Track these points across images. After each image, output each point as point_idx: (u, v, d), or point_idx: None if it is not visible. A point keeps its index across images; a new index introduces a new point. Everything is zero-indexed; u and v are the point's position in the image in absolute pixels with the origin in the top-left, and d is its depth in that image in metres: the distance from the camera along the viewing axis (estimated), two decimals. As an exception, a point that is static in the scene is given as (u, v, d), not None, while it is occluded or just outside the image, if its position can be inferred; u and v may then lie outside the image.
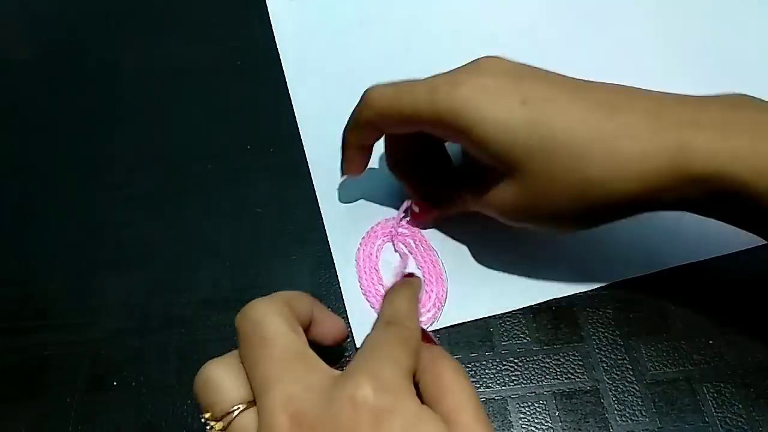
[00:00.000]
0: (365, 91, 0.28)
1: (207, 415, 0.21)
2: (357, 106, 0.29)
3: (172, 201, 0.35)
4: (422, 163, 0.32)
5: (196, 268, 0.32)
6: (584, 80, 0.26)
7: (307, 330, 0.24)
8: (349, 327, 0.30)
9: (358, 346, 0.29)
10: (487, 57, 0.27)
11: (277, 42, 0.43)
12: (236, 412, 0.20)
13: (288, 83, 0.40)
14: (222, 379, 0.21)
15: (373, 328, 0.23)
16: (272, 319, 0.22)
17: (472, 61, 0.27)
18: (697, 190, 0.23)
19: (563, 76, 0.26)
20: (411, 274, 0.27)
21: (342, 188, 0.35)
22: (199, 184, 0.36)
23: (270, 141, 0.37)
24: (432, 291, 0.30)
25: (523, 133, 0.24)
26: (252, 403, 0.21)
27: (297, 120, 0.38)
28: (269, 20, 0.44)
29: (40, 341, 0.30)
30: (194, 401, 0.27)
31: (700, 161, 0.22)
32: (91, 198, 0.36)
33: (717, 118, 0.23)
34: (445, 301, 0.30)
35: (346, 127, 0.30)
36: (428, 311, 0.30)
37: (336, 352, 0.29)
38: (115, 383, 0.29)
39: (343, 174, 0.32)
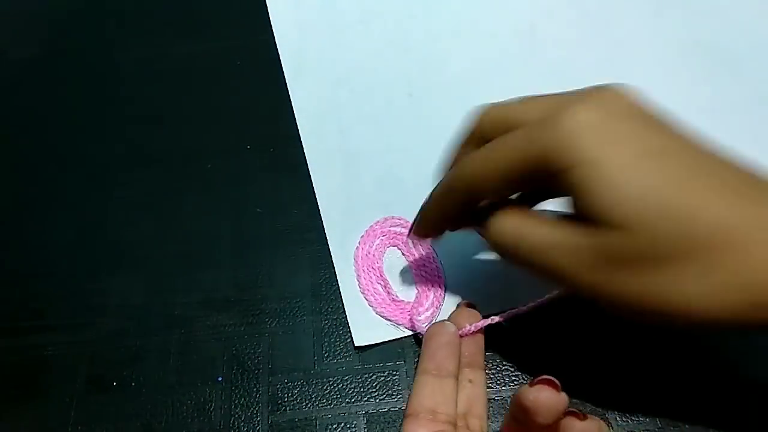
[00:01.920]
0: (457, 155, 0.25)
1: None
2: (446, 182, 0.25)
3: (171, 201, 0.35)
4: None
5: (195, 268, 0.32)
6: (716, 147, 0.21)
7: None
8: (348, 325, 0.30)
9: (356, 344, 0.29)
10: (610, 88, 0.22)
11: (276, 41, 0.42)
12: None
13: (287, 82, 0.40)
14: None
15: None
16: None
17: (592, 88, 0.22)
18: None
19: (695, 135, 0.21)
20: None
21: (341, 187, 0.35)
22: (199, 183, 0.36)
23: (270, 140, 0.37)
24: (430, 291, 0.30)
25: (635, 194, 0.19)
26: None
27: (296, 119, 0.38)
28: (269, 20, 0.44)
29: (40, 342, 0.30)
30: (194, 401, 0.28)
31: None
32: (90, 198, 0.35)
33: None
34: (443, 301, 0.30)
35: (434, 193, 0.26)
36: (426, 310, 0.30)
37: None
38: (114, 383, 0.29)
39: (410, 236, 0.28)
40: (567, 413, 0.21)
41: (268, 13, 0.44)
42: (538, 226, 0.23)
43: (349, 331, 0.30)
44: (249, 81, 0.40)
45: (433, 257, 0.31)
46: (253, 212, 0.34)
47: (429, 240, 0.30)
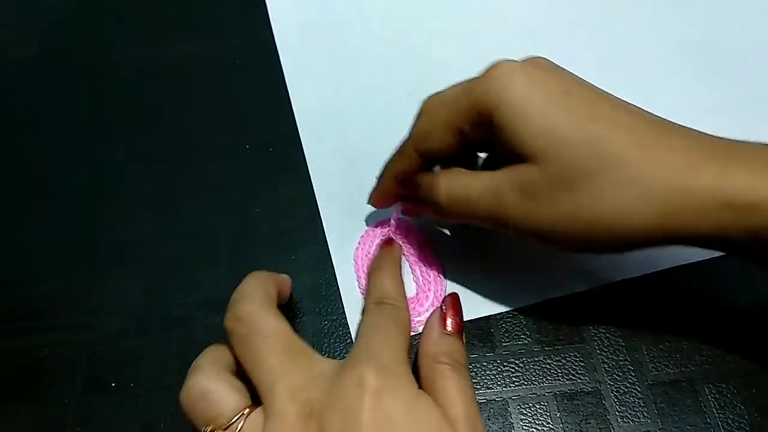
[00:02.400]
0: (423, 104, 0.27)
1: (209, 429, 0.21)
2: (416, 126, 0.28)
3: (171, 200, 0.35)
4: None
5: (195, 269, 0.32)
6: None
7: None
8: (348, 325, 0.30)
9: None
10: (532, 56, 0.26)
11: (276, 41, 0.42)
12: (242, 420, 0.21)
13: (287, 82, 0.40)
14: (217, 390, 0.22)
15: (364, 310, 0.25)
16: (266, 318, 0.23)
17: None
18: (738, 222, 0.21)
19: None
20: (390, 241, 0.28)
21: (341, 187, 0.34)
22: (199, 183, 0.36)
23: (269, 140, 0.37)
24: (430, 290, 0.30)
25: (557, 126, 0.23)
26: (252, 406, 0.21)
27: (296, 119, 0.38)
28: (269, 19, 0.44)
29: (38, 342, 0.30)
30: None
31: (742, 191, 0.21)
32: (89, 198, 0.35)
33: (757, 155, 0.22)
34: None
35: (392, 156, 0.29)
36: (426, 311, 0.30)
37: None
38: (113, 384, 0.29)
39: (371, 201, 0.31)
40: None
41: (267, 12, 0.44)
42: (465, 178, 0.26)
43: (349, 332, 0.30)
44: (249, 81, 0.40)
45: (434, 257, 0.31)
46: (253, 212, 0.34)
47: (393, 208, 0.31)
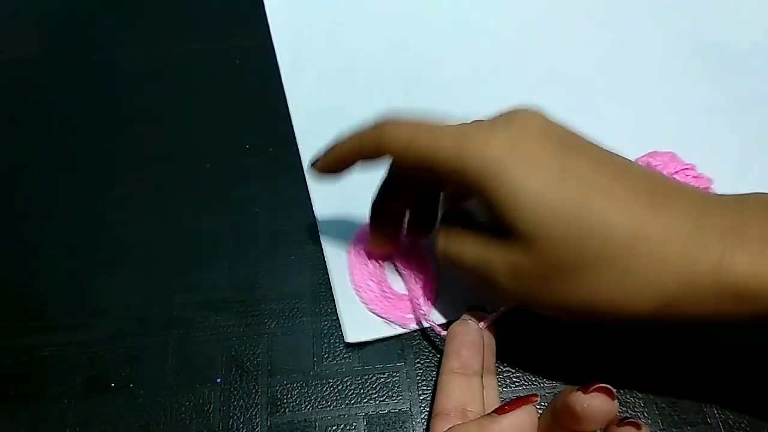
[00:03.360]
0: (377, 122, 0.25)
1: None
2: (361, 134, 0.26)
3: (170, 201, 0.35)
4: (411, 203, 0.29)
5: (194, 269, 0.32)
6: (623, 159, 0.23)
7: None
8: (341, 323, 0.30)
9: (347, 341, 0.29)
10: (524, 111, 0.23)
11: (273, 40, 0.42)
12: None
13: (283, 82, 0.40)
14: None
15: None
16: None
17: (507, 113, 0.24)
18: (742, 308, 0.20)
19: (602, 149, 0.23)
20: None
21: (336, 187, 0.34)
22: (198, 183, 0.36)
23: (269, 140, 0.37)
24: (422, 288, 0.30)
25: (553, 210, 0.21)
26: None
27: (291, 116, 0.38)
28: (267, 19, 0.44)
29: (38, 342, 0.30)
30: (193, 403, 0.27)
31: (743, 279, 0.20)
32: (88, 198, 0.35)
33: (763, 230, 0.21)
34: (437, 296, 0.30)
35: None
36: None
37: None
38: (112, 385, 0.29)
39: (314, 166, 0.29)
40: (627, 422, 0.21)
41: (266, 11, 0.44)
42: (461, 244, 0.25)
43: (342, 328, 0.30)
44: (248, 81, 0.40)
45: (427, 254, 0.31)
46: (252, 212, 0.34)
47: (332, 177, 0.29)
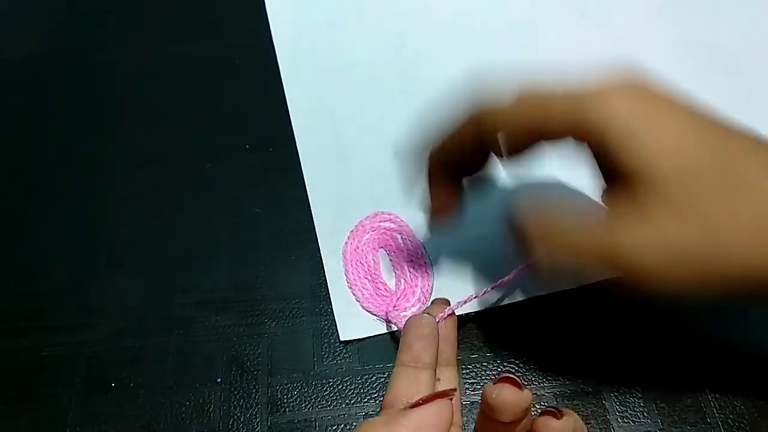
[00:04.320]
0: (464, 122, 0.24)
1: None
2: (456, 138, 0.24)
3: (170, 201, 0.35)
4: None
5: (194, 269, 0.32)
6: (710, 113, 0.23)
7: None
8: (335, 320, 0.30)
9: (341, 338, 0.29)
10: (626, 70, 0.23)
11: (273, 39, 0.42)
12: None
13: (283, 81, 0.40)
14: None
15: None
16: None
17: (611, 72, 0.23)
18: None
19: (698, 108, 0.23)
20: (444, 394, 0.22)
21: (332, 182, 0.35)
22: (198, 183, 0.35)
23: (269, 140, 0.37)
24: (417, 286, 0.30)
25: (694, 164, 0.21)
26: None
27: (290, 113, 0.38)
28: (268, 18, 0.44)
29: (38, 342, 0.30)
30: (193, 402, 0.27)
31: None
32: (89, 198, 0.35)
33: None
34: (431, 296, 0.30)
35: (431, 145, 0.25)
36: (413, 306, 0.30)
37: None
38: (113, 384, 0.29)
39: (431, 221, 0.28)
40: (544, 412, 0.21)
41: (266, 11, 0.44)
42: (579, 233, 0.23)
43: (335, 325, 0.30)
44: (248, 80, 0.40)
45: (422, 253, 0.31)
46: (253, 212, 0.34)
47: (448, 217, 0.27)
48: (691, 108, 0.22)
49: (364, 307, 0.30)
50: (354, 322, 0.30)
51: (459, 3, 0.44)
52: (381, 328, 0.29)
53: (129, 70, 0.42)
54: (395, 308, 0.29)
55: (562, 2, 0.43)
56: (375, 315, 0.30)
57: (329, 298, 0.31)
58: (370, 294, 0.30)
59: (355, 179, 0.35)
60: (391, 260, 0.32)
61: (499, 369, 0.28)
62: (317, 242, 0.33)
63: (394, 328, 0.29)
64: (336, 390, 0.28)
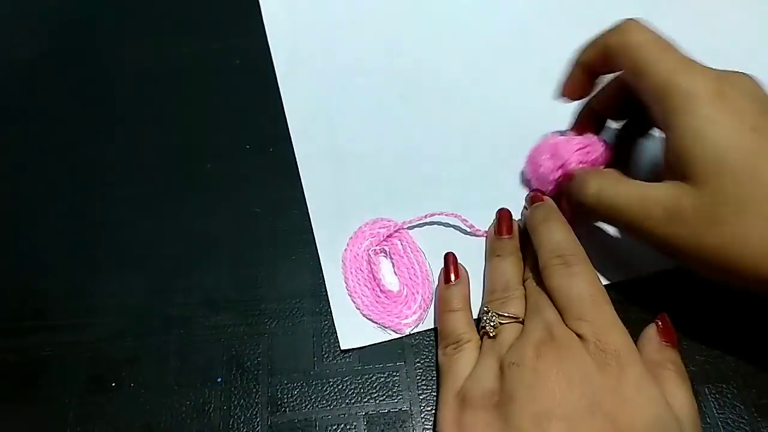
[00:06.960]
0: (620, 29, 0.28)
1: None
2: (609, 33, 0.28)
3: (170, 201, 0.35)
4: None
5: (195, 269, 0.32)
6: None
7: None
8: (334, 326, 0.30)
9: (342, 347, 0.29)
10: (741, 73, 0.26)
11: (269, 42, 0.42)
12: None
13: (279, 83, 0.40)
14: None
15: (544, 267, 0.26)
16: None
17: (723, 72, 0.26)
18: None
19: None
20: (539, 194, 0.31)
21: (331, 188, 0.34)
22: (198, 183, 0.36)
23: (269, 140, 0.37)
24: (418, 293, 0.30)
25: (738, 156, 0.23)
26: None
27: (287, 119, 0.38)
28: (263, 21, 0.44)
29: (39, 342, 0.30)
30: (193, 402, 0.27)
31: None
32: (89, 198, 0.35)
33: None
34: (432, 302, 0.30)
35: (585, 46, 0.30)
36: (414, 313, 0.30)
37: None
38: (113, 384, 0.29)
39: (562, 94, 0.32)
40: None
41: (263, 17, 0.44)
42: (617, 185, 0.27)
43: (335, 331, 0.30)
44: (248, 81, 0.40)
45: (422, 259, 0.31)
46: (253, 212, 0.34)
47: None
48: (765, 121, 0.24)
49: (364, 315, 0.30)
50: (354, 329, 0.30)
51: (456, 7, 0.44)
52: (381, 336, 0.29)
53: (129, 71, 0.42)
54: (396, 316, 0.29)
55: (558, 6, 0.43)
56: (375, 323, 0.30)
57: (328, 298, 0.31)
58: (371, 302, 0.30)
59: (353, 185, 0.34)
60: (391, 267, 0.31)
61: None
62: (317, 243, 0.33)
63: (395, 336, 0.29)
64: (336, 390, 0.28)
